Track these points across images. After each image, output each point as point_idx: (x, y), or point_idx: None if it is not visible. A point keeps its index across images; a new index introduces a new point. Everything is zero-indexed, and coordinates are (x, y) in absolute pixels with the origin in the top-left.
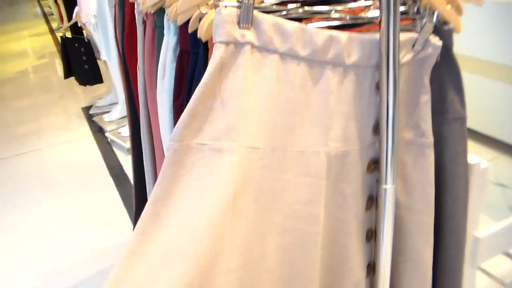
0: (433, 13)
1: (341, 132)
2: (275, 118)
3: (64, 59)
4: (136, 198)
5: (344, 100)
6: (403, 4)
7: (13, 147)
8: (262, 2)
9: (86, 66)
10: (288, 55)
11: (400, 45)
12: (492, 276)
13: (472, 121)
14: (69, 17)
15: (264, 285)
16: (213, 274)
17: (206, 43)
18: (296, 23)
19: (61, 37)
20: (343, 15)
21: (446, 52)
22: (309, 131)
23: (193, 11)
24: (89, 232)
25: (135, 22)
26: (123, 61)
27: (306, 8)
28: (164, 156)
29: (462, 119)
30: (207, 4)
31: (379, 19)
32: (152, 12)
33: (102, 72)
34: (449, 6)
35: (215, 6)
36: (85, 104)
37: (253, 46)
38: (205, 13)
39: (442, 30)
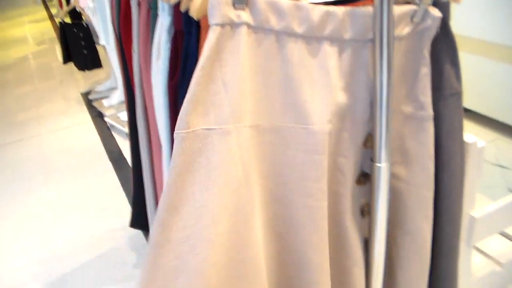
0: None
1: (339, 107)
2: (275, 95)
3: (63, 44)
4: (134, 181)
5: (342, 75)
6: None
7: (13, 133)
8: None
9: (85, 51)
10: (285, 33)
11: (397, 19)
12: (488, 255)
13: (473, 102)
14: (68, 3)
15: (286, 261)
16: (235, 251)
17: (199, 22)
18: (291, 1)
19: (60, 22)
20: None
21: (444, 25)
22: (310, 107)
23: None
24: (89, 217)
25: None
26: (120, 44)
27: None
28: (159, 138)
29: (458, 94)
30: None
31: None
32: None
33: (101, 57)
34: None
35: None
36: (84, 89)
37: (249, 26)
38: None
39: (440, 2)
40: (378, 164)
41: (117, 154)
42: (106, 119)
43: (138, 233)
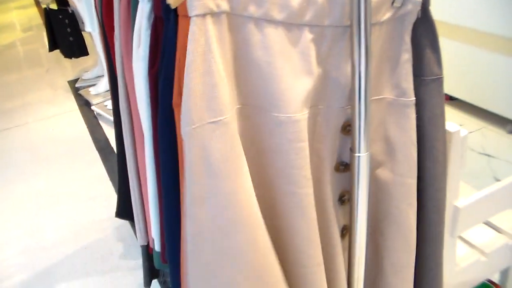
0: None
1: (317, 92)
2: (258, 83)
3: (48, 31)
4: (119, 171)
5: (321, 61)
6: None
7: (0, 122)
8: None
9: (71, 38)
10: (264, 20)
11: (378, 4)
12: (472, 245)
13: (461, 91)
14: None
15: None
16: (258, 234)
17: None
18: None
19: (45, 8)
20: None
21: (423, 10)
22: (291, 96)
23: None
24: (75, 207)
25: None
26: (103, 32)
27: None
28: (141, 126)
29: (440, 79)
30: None
31: None
32: None
33: (88, 44)
34: None
35: None
36: (72, 77)
37: (228, 14)
38: None
39: None
40: (357, 154)
41: (104, 143)
42: (93, 107)
43: (125, 223)
